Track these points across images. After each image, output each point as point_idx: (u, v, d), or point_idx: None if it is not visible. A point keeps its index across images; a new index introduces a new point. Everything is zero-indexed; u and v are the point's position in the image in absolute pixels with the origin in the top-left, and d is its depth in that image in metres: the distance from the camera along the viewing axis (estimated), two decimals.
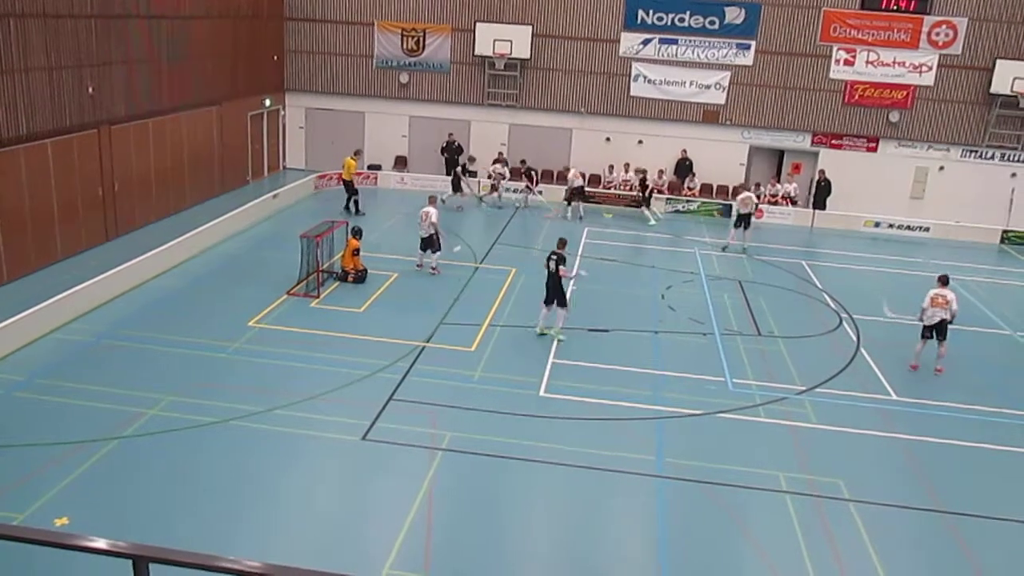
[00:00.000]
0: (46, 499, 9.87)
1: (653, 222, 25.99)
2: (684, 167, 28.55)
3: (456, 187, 25.97)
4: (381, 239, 21.34)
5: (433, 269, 19.07)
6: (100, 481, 10.37)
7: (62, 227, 18.39)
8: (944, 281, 15.67)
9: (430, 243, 18.98)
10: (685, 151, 28.46)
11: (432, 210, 18.97)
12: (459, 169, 26.34)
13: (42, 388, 12.67)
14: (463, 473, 11.19)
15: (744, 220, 23.11)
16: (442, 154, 28.88)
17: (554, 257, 15.56)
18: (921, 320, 15.47)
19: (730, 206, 27.43)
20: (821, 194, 27.18)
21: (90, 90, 18.89)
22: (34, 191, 17.50)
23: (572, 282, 16.52)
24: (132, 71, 20.57)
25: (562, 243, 16.10)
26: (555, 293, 15.58)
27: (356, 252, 18.27)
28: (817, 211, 27.18)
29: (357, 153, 25.75)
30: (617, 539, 10.12)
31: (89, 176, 19.27)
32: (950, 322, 15.34)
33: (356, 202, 24.40)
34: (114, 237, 20.16)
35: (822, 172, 27.37)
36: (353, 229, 18.66)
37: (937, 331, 15.38)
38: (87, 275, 16.31)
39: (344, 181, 24.73)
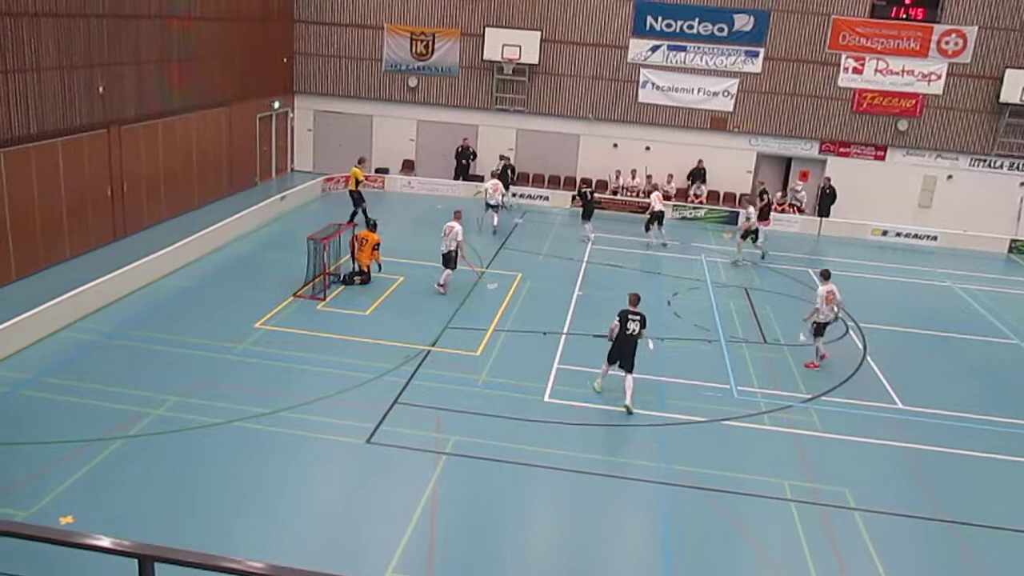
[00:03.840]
0: (51, 497, 9.90)
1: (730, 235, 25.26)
2: (699, 175, 28.53)
3: (587, 216, 23.82)
4: (388, 243, 21.28)
5: (440, 285, 18.09)
6: (105, 480, 10.39)
7: (71, 226, 18.46)
8: (827, 276, 16.04)
9: (448, 260, 18.08)
10: (701, 161, 28.43)
11: (457, 225, 18.13)
12: (589, 198, 23.83)
13: (48, 387, 12.71)
14: (467, 477, 11.18)
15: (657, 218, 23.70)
16: (456, 159, 28.89)
17: (636, 318, 13.47)
18: (812, 318, 15.77)
19: (736, 214, 27.47)
20: (825, 201, 27.16)
21: (100, 90, 18.97)
22: (43, 190, 17.58)
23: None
24: (142, 71, 20.66)
25: (636, 299, 13.89)
26: (628, 356, 13.52)
27: (377, 247, 18.26)
28: (824, 219, 27.14)
29: (361, 161, 24.60)
30: (621, 546, 10.10)
31: (98, 176, 19.35)
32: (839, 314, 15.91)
33: (365, 210, 23.28)
34: (122, 236, 20.23)
35: (827, 179, 27.35)
36: (370, 223, 18.64)
37: (826, 326, 15.75)
38: (95, 274, 16.36)
39: (351, 192, 23.21)
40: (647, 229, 24.11)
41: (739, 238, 22.93)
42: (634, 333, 13.44)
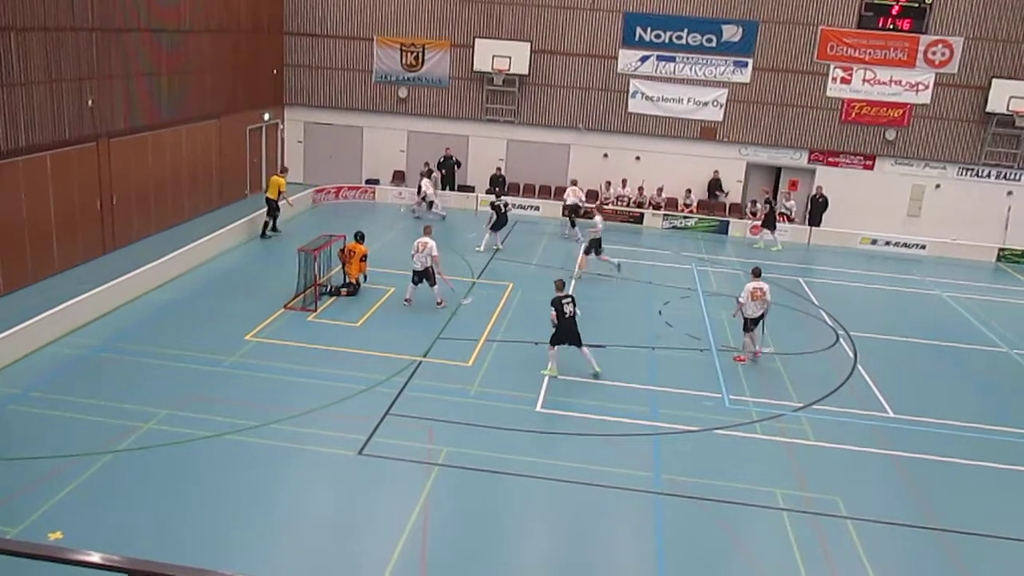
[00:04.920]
0: (40, 513, 9.81)
1: (759, 245, 26.10)
2: (717, 186, 28.63)
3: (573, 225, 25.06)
4: (379, 253, 21.29)
5: (439, 303, 17.90)
6: (95, 495, 10.32)
7: (60, 239, 18.38)
8: (758, 274, 16.52)
9: (425, 276, 17.81)
10: (717, 171, 28.52)
11: (431, 242, 17.78)
12: (504, 210, 23.56)
13: (37, 401, 12.62)
14: (459, 488, 11.15)
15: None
16: (439, 169, 28.94)
17: (568, 300, 14.70)
18: (739, 314, 16.35)
19: (727, 223, 27.57)
20: (817, 210, 27.33)
21: (90, 103, 18.93)
22: (32, 203, 17.50)
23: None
24: (132, 84, 20.62)
25: (562, 284, 15.20)
26: (574, 334, 14.69)
27: (364, 258, 18.26)
28: (814, 228, 27.29)
29: (284, 171, 24.24)
30: (613, 556, 10.08)
31: (88, 189, 19.28)
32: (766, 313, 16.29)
33: (268, 222, 22.85)
34: (112, 250, 20.15)
35: (819, 188, 27.54)
36: (356, 234, 18.63)
37: (755, 322, 16.18)
38: (84, 288, 16.29)
39: (268, 200, 22.91)
40: (572, 224, 24.96)
41: (582, 252, 21.18)
42: (571, 315, 14.62)
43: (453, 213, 27.67)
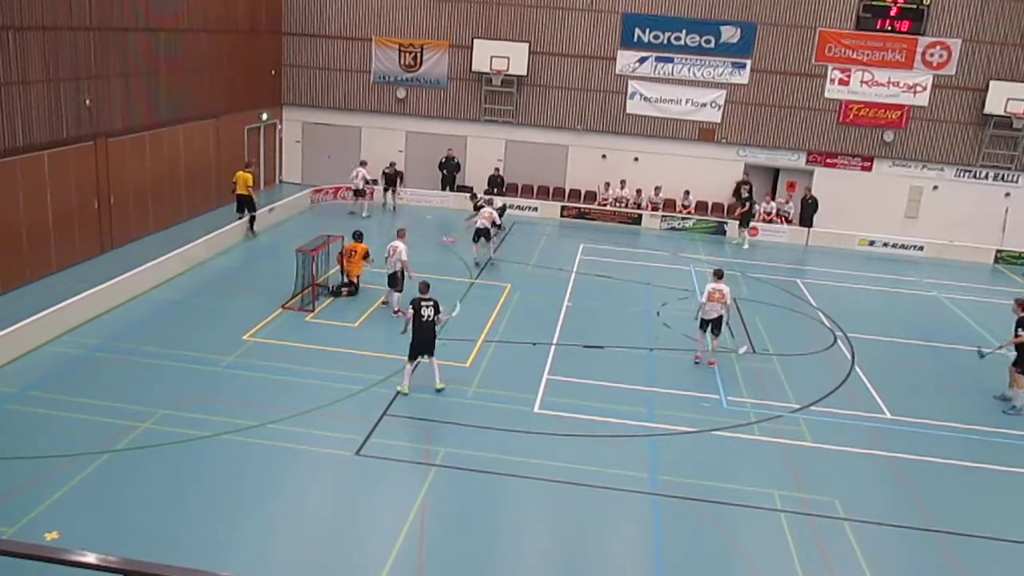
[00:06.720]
0: (36, 512, 9.80)
1: (746, 246, 26.20)
2: (747, 190, 28.50)
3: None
4: (377, 255, 21.27)
5: (396, 311, 17.12)
6: (91, 495, 10.30)
7: (57, 239, 18.36)
8: (720, 275, 16.12)
9: (394, 281, 17.42)
10: (747, 174, 28.38)
11: (400, 244, 17.37)
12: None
13: (34, 400, 12.60)
14: (457, 489, 11.14)
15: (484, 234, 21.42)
16: (440, 170, 28.93)
17: (428, 303, 13.65)
18: (698, 315, 16.05)
19: (723, 224, 27.58)
20: (807, 211, 27.33)
21: (87, 102, 18.90)
22: (29, 203, 17.48)
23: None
24: (130, 84, 20.60)
25: (426, 287, 14.01)
26: (429, 343, 13.72)
27: (367, 256, 18.22)
28: (810, 229, 27.30)
29: (248, 166, 23.91)
30: (610, 557, 10.08)
31: (85, 188, 19.26)
32: (726, 317, 15.93)
33: (252, 219, 22.74)
34: (109, 249, 20.12)
35: (808, 190, 27.57)
36: (355, 233, 18.61)
37: (713, 325, 15.85)
38: (82, 287, 16.26)
39: (238, 196, 22.79)
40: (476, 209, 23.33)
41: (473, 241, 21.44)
42: (429, 319, 13.64)
43: (451, 214, 27.67)
